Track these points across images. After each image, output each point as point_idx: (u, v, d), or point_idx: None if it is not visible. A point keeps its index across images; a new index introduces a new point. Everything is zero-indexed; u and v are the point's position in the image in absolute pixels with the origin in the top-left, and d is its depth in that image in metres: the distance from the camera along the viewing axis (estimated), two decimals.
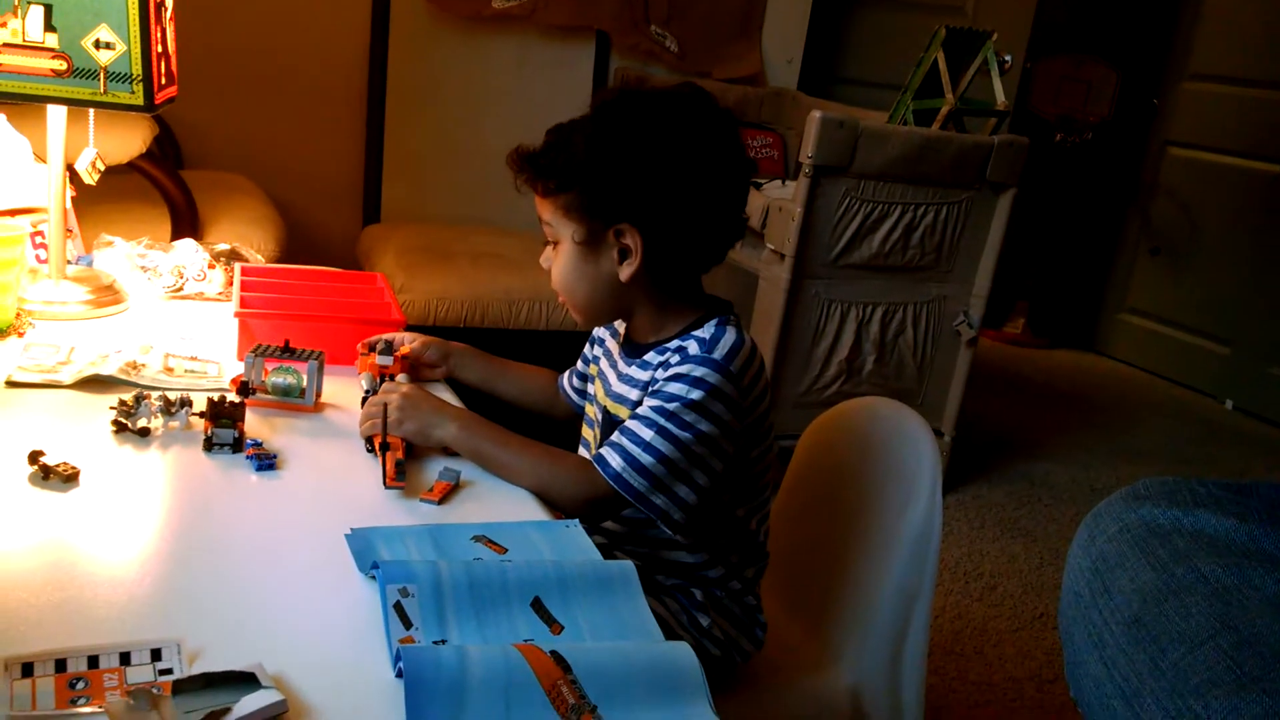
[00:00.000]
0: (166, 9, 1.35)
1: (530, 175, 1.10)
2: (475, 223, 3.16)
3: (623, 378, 1.15)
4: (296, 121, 3.09)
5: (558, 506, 1.04)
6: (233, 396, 1.08)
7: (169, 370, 1.21)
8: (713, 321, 1.10)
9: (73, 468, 0.94)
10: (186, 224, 2.16)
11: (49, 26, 1.23)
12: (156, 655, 0.70)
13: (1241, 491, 0.65)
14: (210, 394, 1.09)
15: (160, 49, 1.32)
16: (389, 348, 1.24)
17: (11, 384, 1.13)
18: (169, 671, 0.69)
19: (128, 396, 1.08)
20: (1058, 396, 3.69)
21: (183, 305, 1.50)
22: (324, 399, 1.19)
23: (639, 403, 1.09)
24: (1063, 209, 4.08)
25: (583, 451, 1.22)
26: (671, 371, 1.06)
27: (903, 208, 2.38)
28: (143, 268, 1.51)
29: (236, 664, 0.68)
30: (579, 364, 1.31)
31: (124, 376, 1.16)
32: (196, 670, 0.68)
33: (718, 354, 1.05)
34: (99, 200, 1.74)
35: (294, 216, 2.71)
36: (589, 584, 0.82)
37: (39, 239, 1.47)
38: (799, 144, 2.41)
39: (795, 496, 1.39)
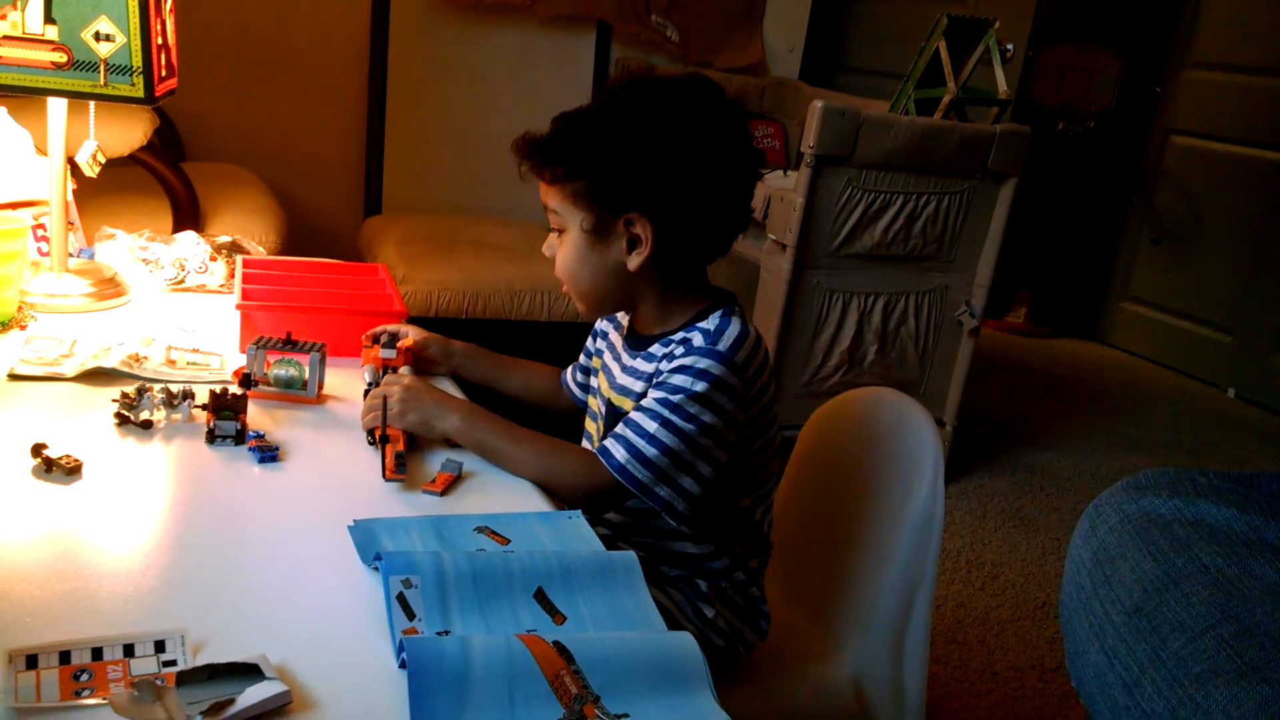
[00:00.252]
0: (166, 1, 1.35)
1: (537, 162, 1.09)
2: (477, 213, 3.16)
3: (627, 370, 1.15)
4: (298, 113, 3.09)
5: (560, 498, 1.04)
6: (235, 389, 1.08)
7: (171, 363, 1.21)
8: (717, 312, 1.09)
9: (75, 460, 0.94)
10: (188, 216, 2.16)
11: (49, 19, 1.23)
12: (160, 647, 0.70)
13: (1242, 482, 0.65)
14: (212, 386, 1.09)
15: (160, 41, 1.32)
16: (392, 340, 1.24)
17: (14, 377, 1.13)
18: (173, 663, 0.69)
19: (130, 389, 1.08)
20: (1060, 386, 3.69)
21: (184, 298, 1.50)
22: (326, 391, 1.19)
23: (643, 395, 1.09)
24: (1065, 198, 4.07)
25: (585, 444, 1.22)
26: (676, 363, 1.06)
27: (904, 197, 2.37)
28: (144, 260, 1.51)
29: (240, 655, 0.69)
30: (581, 358, 1.31)
31: (126, 369, 1.16)
32: (200, 661, 0.69)
33: (722, 345, 1.05)
34: (100, 193, 1.74)
35: (295, 208, 2.71)
36: (592, 574, 0.82)
37: (40, 232, 1.47)
38: (800, 134, 2.40)
39: (797, 487, 1.39)
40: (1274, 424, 3.52)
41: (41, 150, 1.47)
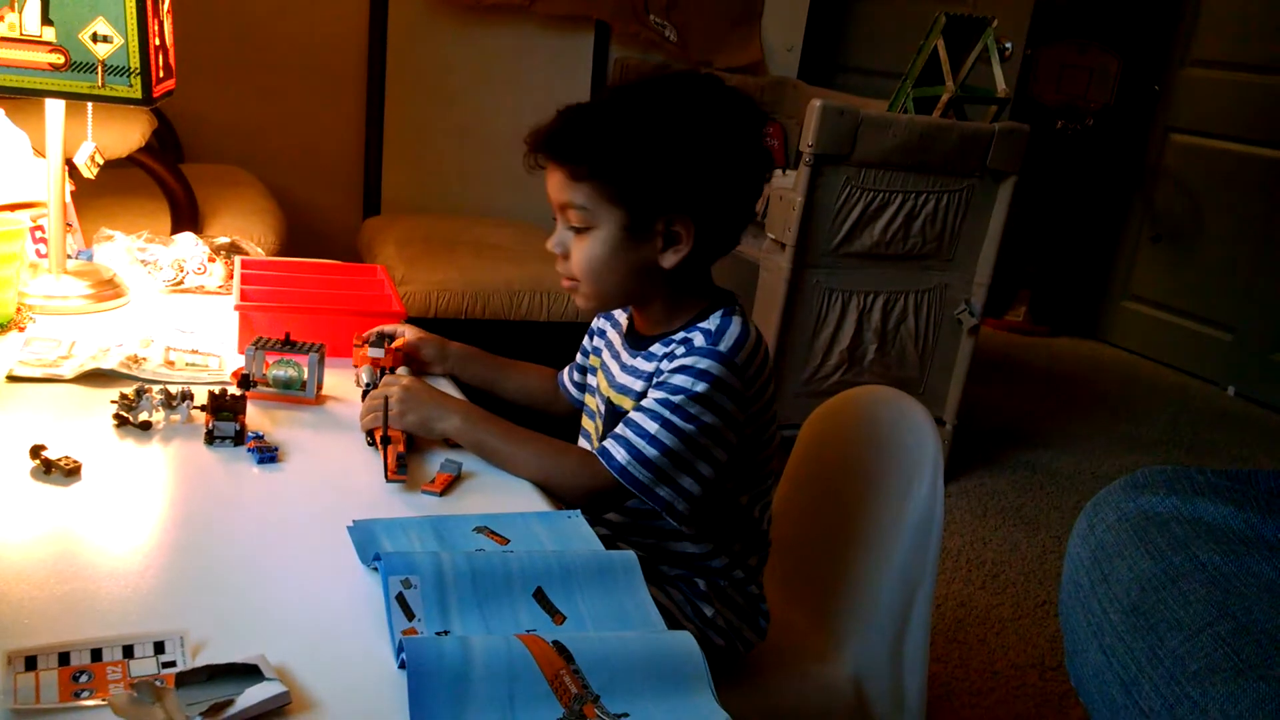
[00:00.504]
0: (163, 2, 1.35)
1: (565, 158, 1.06)
2: (476, 213, 3.16)
3: (626, 369, 1.15)
4: (296, 114, 3.09)
5: (560, 498, 1.04)
6: (234, 389, 1.08)
7: (170, 364, 1.21)
8: (718, 312, 1.09)
9: (74, 462, 0.94)
10: (186, 217, 2.16)
11: (46, 20, 1.23)
12: (160, 648, 0.70)
13: (1240, 479, 0.65)
14: (211, 387, 1.09)
15: (158, 42, 1.32)
16: (381, 339, 1.24)
17: (13, 379, 1.13)
18: (172, 664, 0.69)
19: (129, 390, 1.08)
20: (1060, 384, 3.69)
21: (183, 299, 1.50)
22: (325, 391, 1.19)
23: (643, 394, 1.09)
24: (1064, 196, 4.07)
25: (583, 443, 1.22)
26: (676, 363, 1.05)
27: (903, 196, 2.37)
28: (143, 261, 1.51)
29: (240, 656, 0.69)
30: (578, 357, 1.31)
31: (125, 370, 1.16)
32: (200, 662, 0.69)
33: (723, 346, 1.05)
34: (98, 194, 1.74)
35: (294, 209, 2.71)
36: (591, 574, 0.82)
37: (39, 233, 1.47)
38: (799, 133, 2.40)
39: (797, 486, 1.39)
40: (1274, 422, 3.52)
41: (39, 152, 1.47)
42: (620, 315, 1.22)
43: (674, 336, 1.10)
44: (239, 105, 2.99)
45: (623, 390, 1.13)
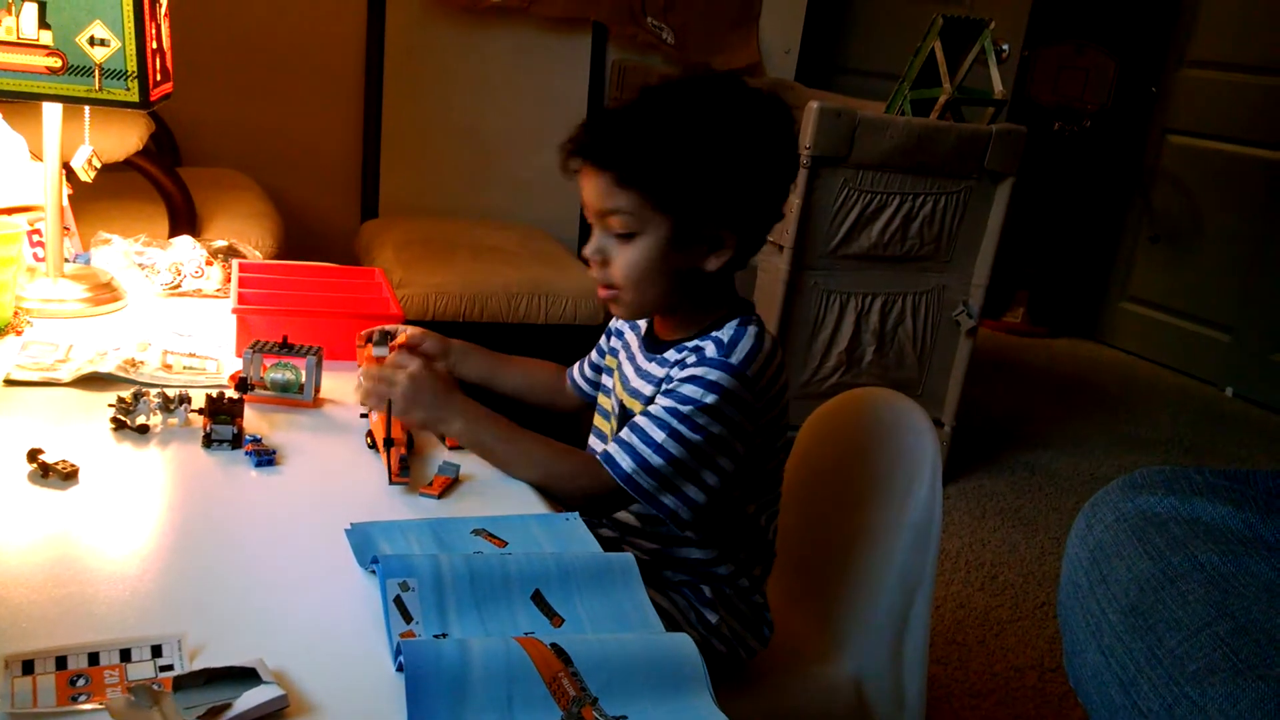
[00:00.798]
0: (161, 5, 1.35)
1: (603, 164, 1.04)
2: (474, 216, 3.16)
3: (640, 372, 1.14)
4: (294, 117, 3.08)
5: (561, 501, 1.04)
6: (231, 393, 1.08)
7: (167, 367, 1.21)
8: (734, 321, 1.09)
9: (72, 465, 0.94)
10: (184, 221, 2.16)
11: (43, 24, 1.23)
12: (157, 651, 0.70)
13: (1238, 479, 0.65)
14: (209, 390, 1.09)
15: (155, 45, 1.31)
16: (384, 337, 1.24)
17: (10, 382, 1.13)
18: (170, 668, 0.69)
19: (126, 394, 1.08)
20: (1058, 385, 3.69)
21: (181, 302, 1.50)
22: (323, 394, 1.19)
23: (652, 399, 1.08)
24: (1062, 198, 4.07)
25: (595, 442, 1.22)
26: (687, 373, 1.05)
27: (901, 197, 2.38)
28: (140, 265, 1.51)
29: (237, 659, 0.68)
30: (593, 355, 1.30)
31: (122, 374, 1.16)
32: (197, 666, 0.68)
33: (735, 358, 1.04)
34: (96, 198, 1.74)
35: (292, 212, 2.71)
36: (589, 576, 0.82)
37: (36, 237, 1.47)
38: (797, 134, 2.40)
39: (796, 488, 1.39)
40: (1273, 422, 3.52)
41: (36, 155, 1.46)
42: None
43: (687, 344, 1.09)
44: (236, 108, 2.99)
45: (634, 394, 1.13)
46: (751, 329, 1.08)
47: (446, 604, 0.77)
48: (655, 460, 1.02)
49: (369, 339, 1.25)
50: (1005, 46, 2.51)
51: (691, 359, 1.06)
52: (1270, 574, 0.57)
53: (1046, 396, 3.54)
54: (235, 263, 1.52)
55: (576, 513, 0.96)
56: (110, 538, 0.86)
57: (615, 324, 1.26)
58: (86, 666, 0.68)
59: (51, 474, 0.93)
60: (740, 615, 1.16)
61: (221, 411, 1.04)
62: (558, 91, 3.30)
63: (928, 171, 2.37)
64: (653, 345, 1.15)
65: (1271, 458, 3.25)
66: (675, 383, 1.05)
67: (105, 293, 1.42)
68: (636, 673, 0.72)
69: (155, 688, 0.64)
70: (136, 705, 0.63)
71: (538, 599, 0.80)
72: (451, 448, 1.11)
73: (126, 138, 2.04)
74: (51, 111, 1.33)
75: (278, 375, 1.15)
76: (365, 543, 0.86)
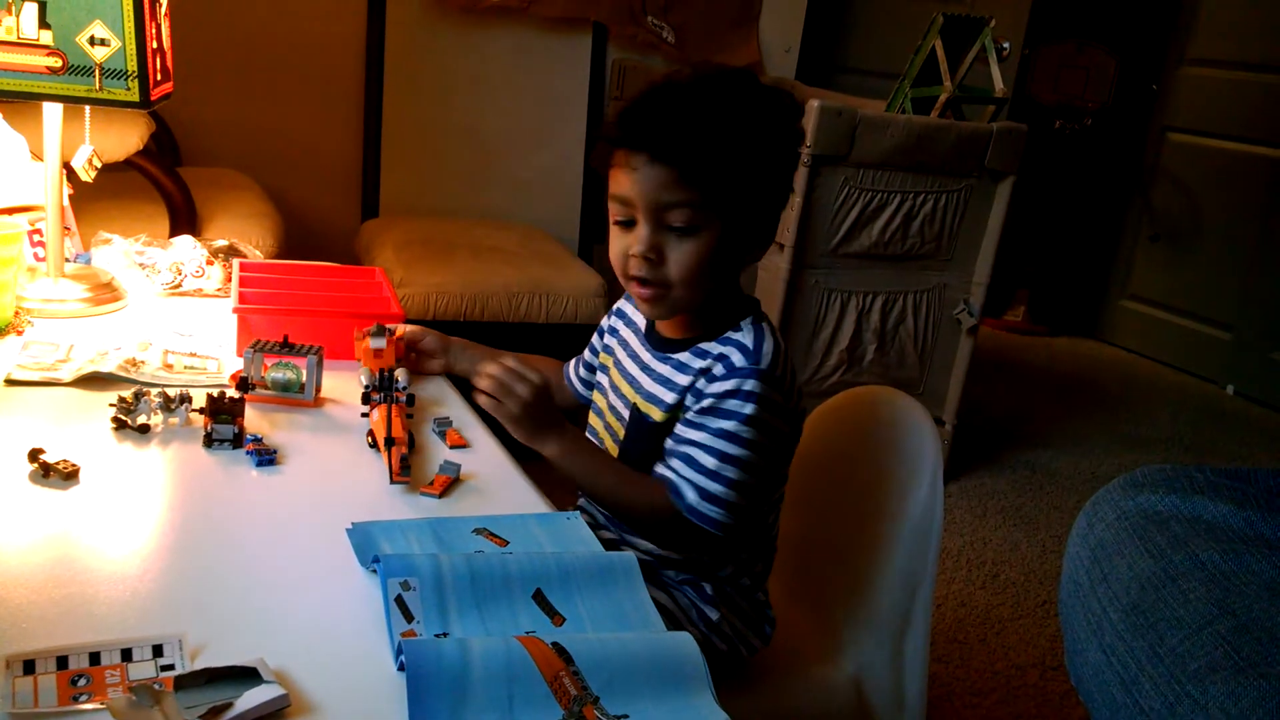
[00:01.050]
0: (161, 5, 1.35)
1: (668, 159, 1.00)
2: (474, 216, 3.16)
3: (652, 375, 1.12)
4: (294, 117, 3.09)
5: (635, 531, 1.08)
6: (232, 392, 1.08)
7: (168, 367, 1.21)
8: (747, 321, 1.09)
9: (73, 465, 0.94)
10: (184, 220, 2.16)
11: (43, 23, 1.23)
12: (158, 651, 0.70)
13: (1239, 478, 0.65)
14: (210, 390, 1.09)
15: (155, 45, 1.31)
16: (382, 330, 1.24)
17: (11, 382, 1.13)
18: (171, 667, 0.69)
19: (127, 393, 1.08)
20: (1059, 384, 3.69)
21: (181, 302, 1.50)
22: (323, 394, 1.19)
23: (675, 405, 1.08)
24: (1062, 196, 4.07)
25: (590, 439, 1.21)
26: (721, 388, 1.04)
27: (902, 196, 2.37)
28: (141, 265, 1.51)
29: (238, 659, 0.69)
30: (586, 354, 1.30)
31: (123, 373, 1.16)
32: (198, 666, 0.69)
33: (764, 363, 1.05)
34: (96, 198, 1.74)
35: (292, 212, 2.71)
36: (590, 575, 0.82)
37: (37, 237, 1.47)
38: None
39: (797, 486, 1.38)
40: (1274, 420, 3.52)
41: (37, 155, 1.47)
42: (635, 314, 1.20)
43: (708, 349, 1.08)
44: (237, 108, 2.99)
45: (651, 399, 1.11)
46: (766, 327, 1.08)
47: (447, 603, 0.77)
48: (714, 488, 1.04)
49: (367, 333, 1.25)
50: (1006, 45, 2.51)
51: (719, 369, 1.06)
52: (1271, 572, 0.57)
53: (1047, 395, 3.54)
54: (236, 262, 1.52)
55: (577, 512, 0.96)
56: (111, 537, 0.86)
57: (608, 321, 1.25)
58: (88, 666, 0.68)
59: (52, 474, 0.93)
60: (742, 613, 1.15)
61: (222, 411, 1.04)
62: (558, 91, 3.30)
63: (928, 170, 2.37)
64: (659, 344, 1.14)
65: (1272, 456, 3.25)
66: (713, 400, 1.05)
67: (106, 292, 1.42)
68: (638, 672, 0.72)
69: (157, 687, 0.64)
70: (138, 705, 0.63)
71: (539, 598, 0.80)
72: (453, 447, 1.11)
73: (127, 137, 2.04)
74: (52, 111, 1.33)
75: (278, 375, 1.15)
76: (366, 542, 0.86)
